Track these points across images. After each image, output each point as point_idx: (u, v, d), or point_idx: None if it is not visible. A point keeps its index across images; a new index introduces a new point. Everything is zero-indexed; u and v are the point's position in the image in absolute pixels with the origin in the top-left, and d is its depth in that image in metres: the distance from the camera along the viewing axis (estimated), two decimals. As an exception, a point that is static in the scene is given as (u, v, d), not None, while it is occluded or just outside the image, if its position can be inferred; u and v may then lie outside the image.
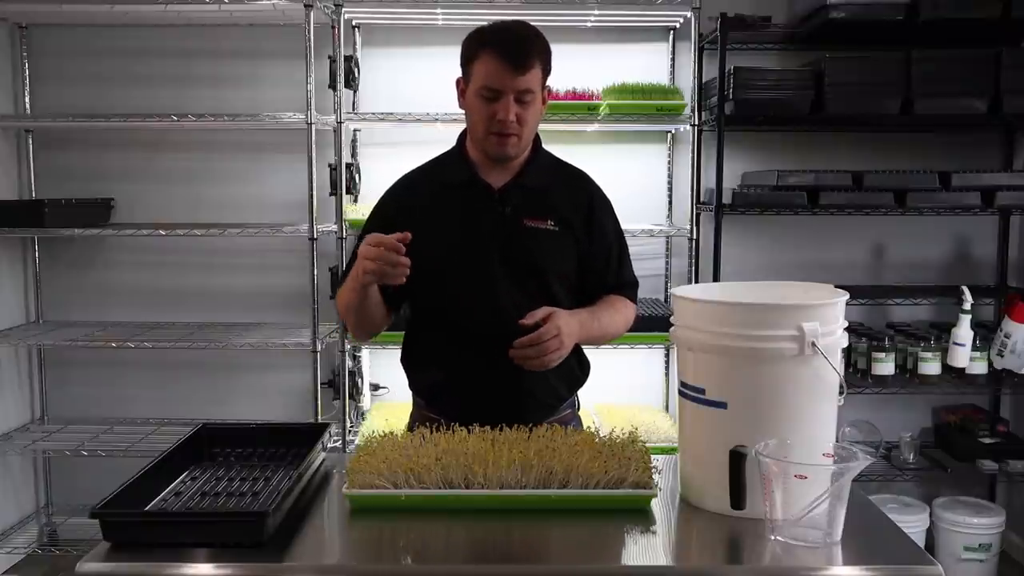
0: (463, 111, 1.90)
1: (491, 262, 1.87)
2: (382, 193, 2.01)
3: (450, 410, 1.83)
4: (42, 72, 3.52)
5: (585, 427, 1.96)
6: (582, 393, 2.06)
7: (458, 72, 1.95)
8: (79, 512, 3.46)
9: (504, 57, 1.79)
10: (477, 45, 1.84)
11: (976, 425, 3.48)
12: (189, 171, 3.56)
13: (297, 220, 3.36)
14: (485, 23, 1.90)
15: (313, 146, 3.12)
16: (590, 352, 2.04)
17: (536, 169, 1.93)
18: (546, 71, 1.87)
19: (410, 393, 2.05)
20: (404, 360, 2.02)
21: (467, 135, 1.95)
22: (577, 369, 2.00)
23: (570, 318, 1.81)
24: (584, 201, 1.95)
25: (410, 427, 1.95)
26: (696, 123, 3.32)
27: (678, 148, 3.57)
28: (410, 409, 2.05)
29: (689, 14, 3.26)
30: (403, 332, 2.02)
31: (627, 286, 2.03)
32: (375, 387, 3.58)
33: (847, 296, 1.53)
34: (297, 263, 3.35)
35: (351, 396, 3.39)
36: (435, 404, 1.93)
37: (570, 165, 2.03)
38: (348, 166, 3.36)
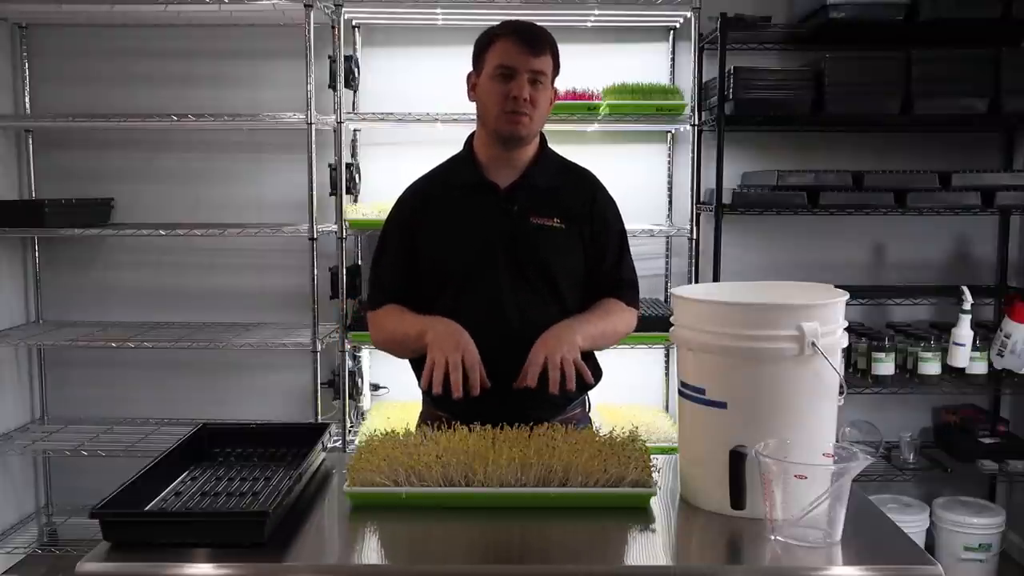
0: (473, 103, 1.93)
1: (498, 260, 1.88)
2: (385, 194, 2.02)
3: (458, 409, 1.83)
4: (42, 72, 3.52)
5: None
6: (584, 392, 2.05)
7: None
8: (79, 512, 3.46)
9: (520, 39, 1.85)
10: (491, 34, 1.90)
11: (976, 425, 3.48)
12: (189, 171, 3.56)
13: (297, 220, 3.36)
14: (486, 24, 1.94)
15: (313, 146, 3.12)
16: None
17: (542, 168, 1.95)
18: (556, 65, 1.91)
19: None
20: (413, 360, 2.01)
21: (475, 138, 1.97)
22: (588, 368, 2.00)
23: (556, 331, 1.80)
24: (588, 198, 1.97)
25: (419, 426, 1.94)
26: (696, 123, 3.32)
27: (678, 148, 3.57)
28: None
29: (689, 14, 3.26)
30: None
31: (625, 285, 2.01)
32: (375, 387, 3.58)
33: (847, 296, 1.53)
34: (297, 263, 3.34)
35: (351, 396, 3.39)
36: (444, 403, 1.93)
37: (576, 164, 2.05)
38: (348, 166, 3.36)
